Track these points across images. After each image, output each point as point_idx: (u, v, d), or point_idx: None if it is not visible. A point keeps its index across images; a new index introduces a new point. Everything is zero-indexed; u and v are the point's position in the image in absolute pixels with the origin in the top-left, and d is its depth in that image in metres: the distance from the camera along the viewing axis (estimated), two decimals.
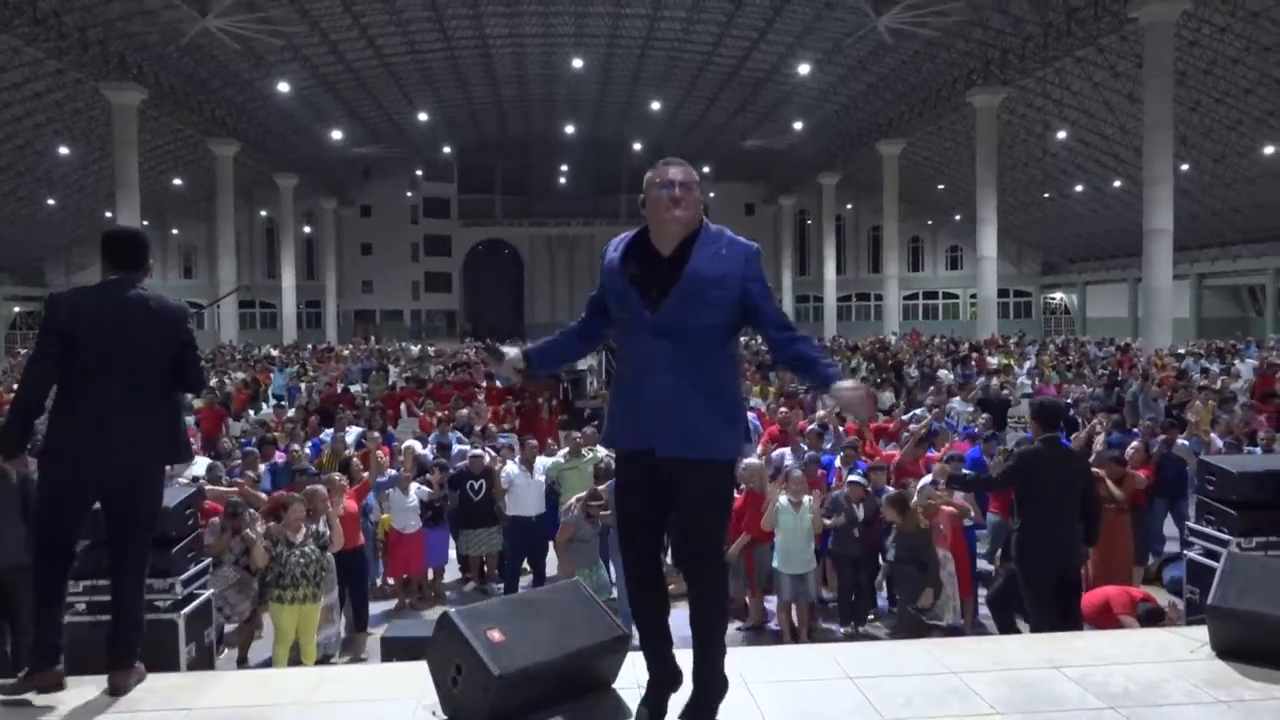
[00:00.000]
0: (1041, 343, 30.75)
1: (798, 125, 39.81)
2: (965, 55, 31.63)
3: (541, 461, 9.04)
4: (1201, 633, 3.93)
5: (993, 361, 22.37)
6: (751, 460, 8.76)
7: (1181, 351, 22.52)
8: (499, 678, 3.12)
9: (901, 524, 7.36)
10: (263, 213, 52.16)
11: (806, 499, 7.55)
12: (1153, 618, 7.23)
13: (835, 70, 35.85)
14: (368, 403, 14.19)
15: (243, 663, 7.56)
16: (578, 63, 36.64)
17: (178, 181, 43.79)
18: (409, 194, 56.73)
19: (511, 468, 8.84)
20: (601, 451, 9.46)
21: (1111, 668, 3.67)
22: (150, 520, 3.84)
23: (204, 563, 6.59)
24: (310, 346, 36.16)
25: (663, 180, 2.97)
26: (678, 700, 3.14)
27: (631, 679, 3.58)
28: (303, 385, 19.27)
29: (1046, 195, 44.67)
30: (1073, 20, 26.57)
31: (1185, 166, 33.43)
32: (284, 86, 33.03)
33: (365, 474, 8.30)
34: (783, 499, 7.47)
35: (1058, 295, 55.97)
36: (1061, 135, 36.44)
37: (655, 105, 41.67)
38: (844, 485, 8.16)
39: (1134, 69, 29.49)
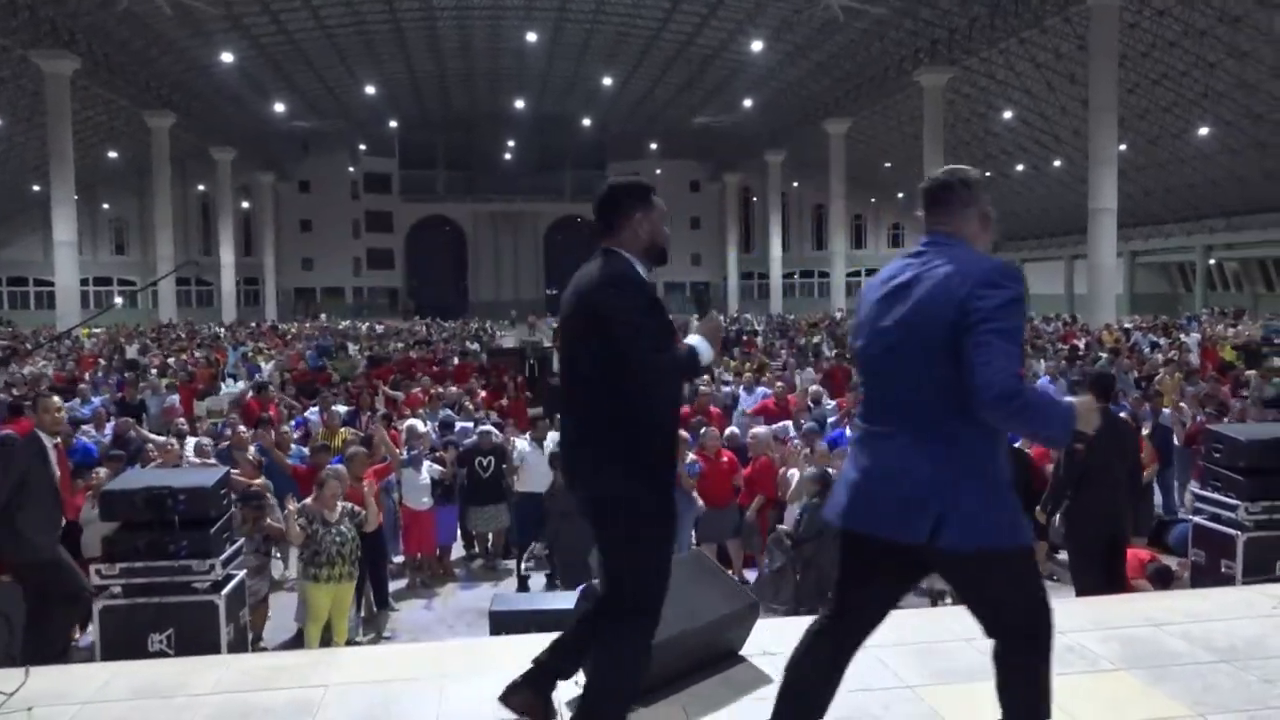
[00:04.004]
0: None
1: (746, 103, 39.96)
2: (912, 34, 32.03)
3: (552, 437, 9.02)
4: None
5: None
6: (759, 429, 8.91)
7: (1128, 326, 23.31)
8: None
9: None
10: (199, 187, 50.62)
11: (829, 470, 7.69)
12: (1162, 577, 7.55)
13: (783, 48, 35.99)
14: (348, 383, 13.96)
15: (257, 644, 7.45)
16: (528, 37, 36.22)
17: (112, 154, 42.24)
18: (350, 169, 55.61)
19: (522, 444, 8.83)
20: None
21: (1209, 624, 3.86)
22: None
23: (238, 542, 6.49)
24: (255, 324, 35.40)
25: None
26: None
27: (757, 645, 3.66)
28: (264, 364, 18.85)
29: (988, 174, 45.54)
30: (1020, 1, 27.10)
31: (1123, 147, 34.44)
32: (225, 57, 32.04)
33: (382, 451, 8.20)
34: (808, 470, 7.60)
35: None
36: (1008, 115, 37.21)
37: (603, 81, 41.42)
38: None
39: (1076, 50, 30.24)
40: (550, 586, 8.08)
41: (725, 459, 8.28)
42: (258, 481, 7.89)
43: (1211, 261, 41.36)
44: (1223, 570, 6.81)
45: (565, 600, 4.49)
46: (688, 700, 3.24)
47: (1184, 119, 33.81)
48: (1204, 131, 33.05)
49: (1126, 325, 23.42)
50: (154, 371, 15.96)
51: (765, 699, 3.23)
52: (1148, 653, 3.59)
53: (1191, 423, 10.41)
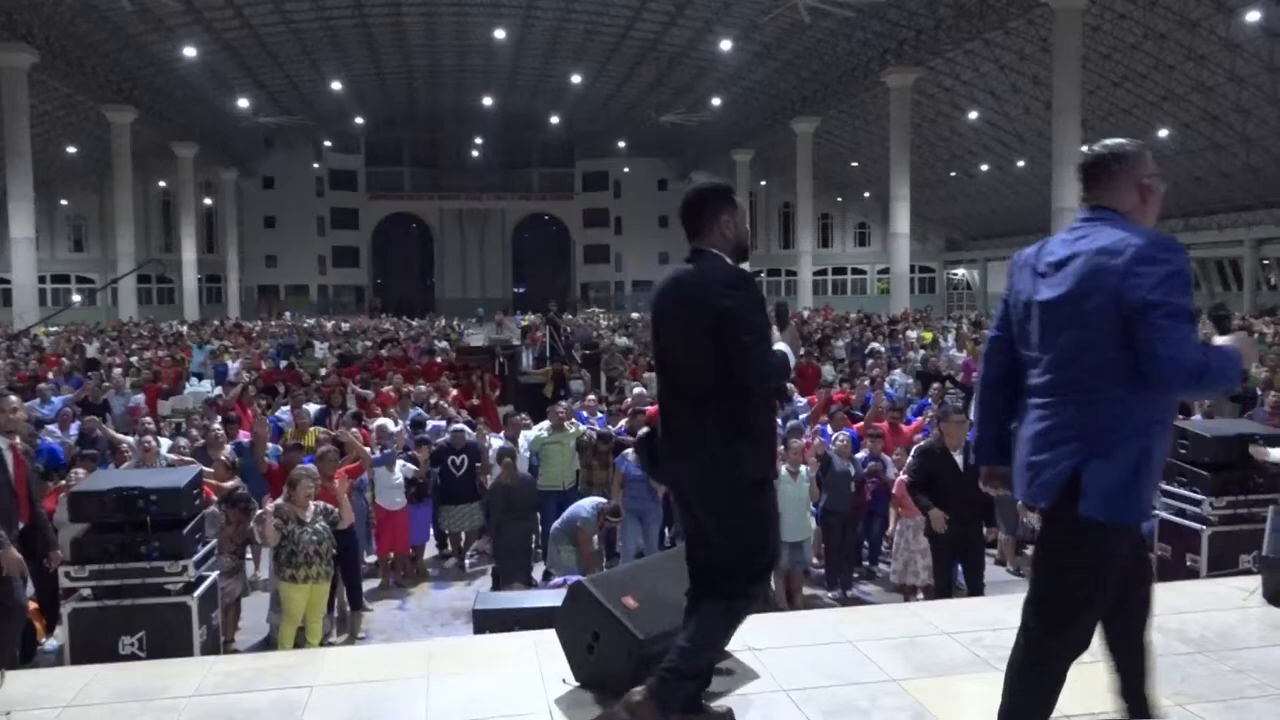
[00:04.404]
0: (958, 317, 31.88)
1: (714, 102, 40.06)
2: (879, 35, 32.30)
3: (526, 435, 9.00)
4: (1249, 583, 4.24)
5: (912, 335, 23.11)
6: None
7: None
8: (644, 642, 3.17)
9: None
10: (160, 183, 49.86)
11: (803, 468, 7.75)
12: None
13: (751, 47, 36.13)
14: (319, 382, 13.83)
15: (229, 645, 7.37)
16: (495, 34, 36.02)
17: (71, 150, 41.48)
18: (315, 165, 55.04)
19: (498, 442, 8.79)
20: (583, 426, 9.50)
21: (1182, 616, 3.94)
22: None
23: (210, 543, 6.41)
24: (219, 322, 34.94)
25: None
26: None
27: (741, 641, 3.68)
28: (231, 363, 18.60)
29: (953, 174, 46.12)
30: (984, 3, 27.42)
31: (1085, 148, 34.93)
32: (187, 52, 31.54)
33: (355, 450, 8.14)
34: (781, 469, 7.64)
35: (960, 271, 57.97)
36: (973, 116, 37.62)
37: (571, 79, 41.32)
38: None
39: (1039, 52, 30.67)
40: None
41: None
42: (229, 484, 7.79)
43: None
44: (1188, 564, 6.95)
45: (547, 598, 4.50)
46: None
47: (1144, 121, 34.38)
48: (1163, 133, 33.64)
49: None
50: (118, 370, 15.69)
51: (753, 693, 3.27)
52: None
53: None
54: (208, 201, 52.14)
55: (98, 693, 3.41)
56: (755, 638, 3.72)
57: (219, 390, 14.91)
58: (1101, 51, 31.00)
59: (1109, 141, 2.69)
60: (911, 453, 7.33)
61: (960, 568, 6.86)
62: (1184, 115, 33.08)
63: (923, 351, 18.20)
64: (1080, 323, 2.44)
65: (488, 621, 4.44)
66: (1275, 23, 26.38)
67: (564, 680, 3.36)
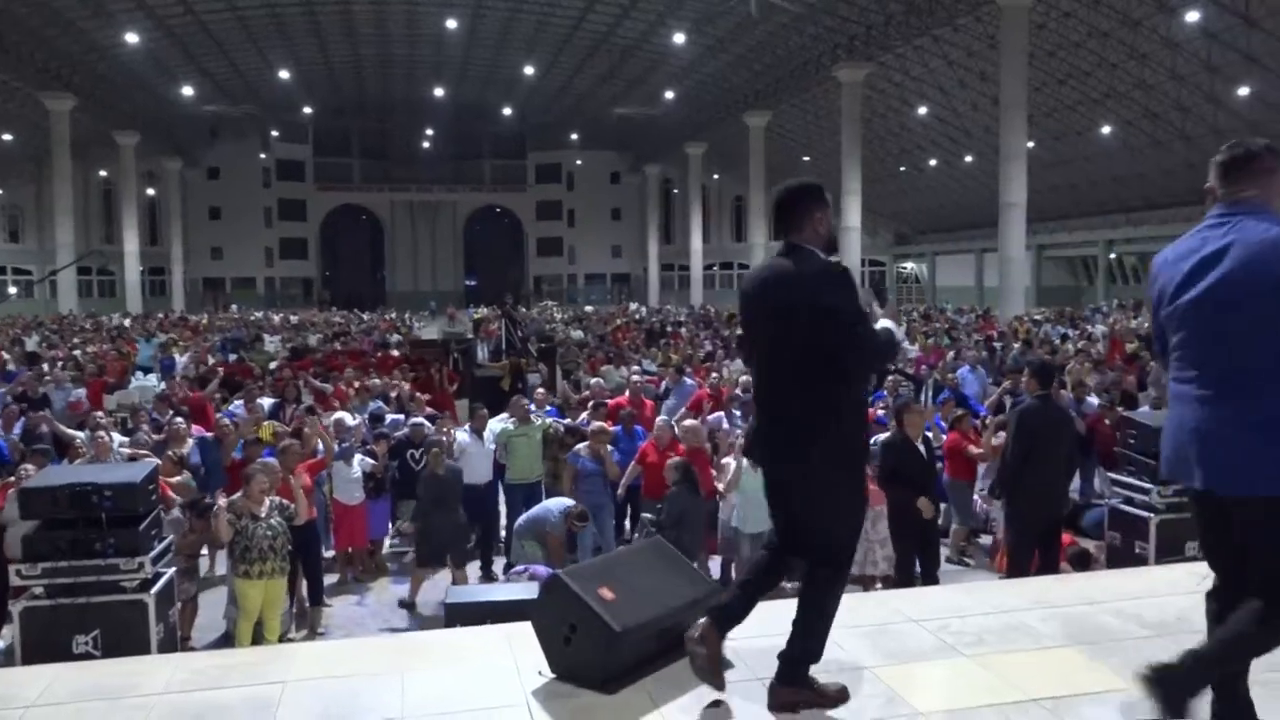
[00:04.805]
0: (908, 310, 32.31)
1: (667, 95, 40.09)
2: (831, 30, 32.55)
3: (491, 429, 8.95)
4: (1203, 568, 4.35)
5: None
6: (690, 422, 8.99)
7: (1038, 317, 24.15)
8: (621, 634, 3.18)
9: None
10: (101, 173, 48.59)
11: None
12: (1081, 560, 7.89)
13: (704, 41, 36.19)
14: (271, 376, 13.62)
15: (186, 643, 7.25)
16: (448, 24, 35.68)
17: (6, 137, 40.25)
18: (261, 156, 54.08)
19: (463, 436, 8.73)
20: (549, 419, 9.48)
21: (1140, 601, 4.05)
22: None
23: (167, 539, 6.29)
24: (163, 315, 34.21)
25: None
26: None
27: None
28: (179, 357, 18.23)
29: (903, 169, 46.67)
30: (934, 0, 27.77)
31: (1030, 144, 35.63)
32: (129, 38, 30.77)
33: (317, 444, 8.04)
34: (744, 461, 7.69)
35: (909, 265, 58.71)
36: (922, 111, 38.08)
37: (523, 70, 41.07)
38: None
39: (987, 49, 31.13)
40: (421, 562, 8.18)
41: (679, 452, 8.19)
42: (176, 479, 7.64)
43: (1112, 255, 43.08)
44: (1137, 551, 7.14)
45: (517, 591, 4.49)
46: (653, 686, 3.27)
47: (1088, 117, 35.09)
48: (1106, 130, 34.39)
49: (1036, 317, 24.26)
50: (60, 364, 15.30)
51: (728, 682, 3.29)
52: (1087, 629, 3.76)
53: (1093, 413, 10.81)
54: (151, 192, 50.96)
55: (61, 692, 3.33)
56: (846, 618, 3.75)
57: (164, 385, 14.62)
58: (1047, 49, 31.54)
59: (1247, 140, 2.78)
60: (873, 445, 7.42)
61: (917, 557, 6.98)
62: (1126, 112, 33.82)
63: None
64: (1244, 312, 2.53)
65: (460, 615, 4.42)
66: (1213, 23, 27.08)
67: (540, 673, 3.36)
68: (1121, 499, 7.44)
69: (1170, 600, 4.07)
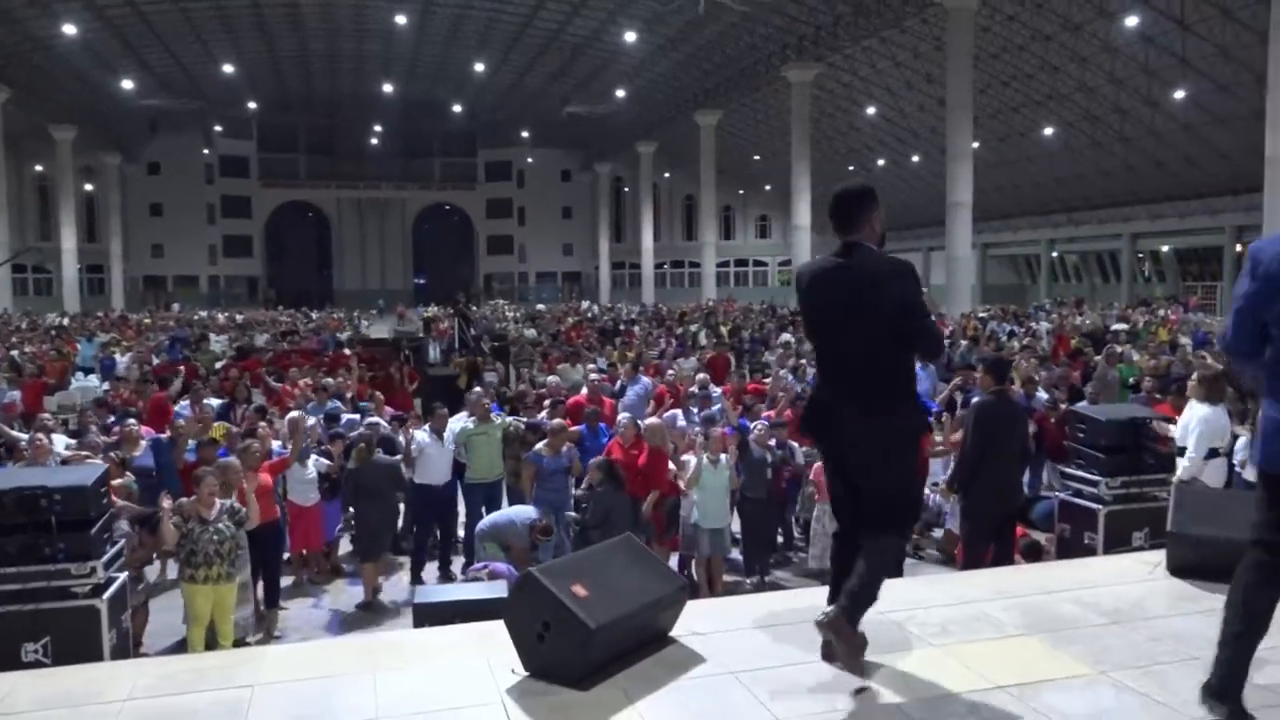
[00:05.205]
0: None
1: (618, 93, 40.09)
2: (780, 30, 32.82)
3: (451, 427, 8.86)
4: (1153, 556, 4.50)
5: None
6: (651, 420, 9.00)
7: (983, 315, 24.60)
8: (596, 630, 3.19)
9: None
10: (36, 168, 47.23)
11: (723, 456, 7.85)
12: (1033, 551, 8.05)
13: (654, 40, 36.27)
14: (217, 376, 13.37)
15: (138, 648, 7.10)
16: (396, 19, 35.27)
17: None
18: (204, 151, 52.99)
19: (422, 435, 8.62)
20: (509, 418, 9.43)
21: (1096, 590, 4.17)
22: None
23: (119, 544, 6.15)
24: (103, 314, 33.39)
25: None
26: None
27: (686, 626, 3.74)
28: (120, 356, 17.81)
29: (851, 168, 47.17)
30: (881, 1, 28.13)
31: (976, 145, 36.27)
32: (66, 29, 29.94)
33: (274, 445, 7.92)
34: (703, 457, 7.74)
35: None
36: (870, 111, 38.55)
37: (474, 67, 40.75)
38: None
39: (933, 50, 31.63)
40: (357, 553, 8.22)
41: (644, 451, 8.17)
42: (118, 481, 7.47)
43: (1054, 254, 44.04)
44: (1086, 542, 7.31)
45: (486, 590, 4.48)
46: (627, 682, 3.28)
47: (1031, 119, 35.83)
48: (1048, 131, 35.14)
49: (981, 314, 24.70)
50: None
51: (701, 677, 3.33)
52: (1046, 618, 3.86)
53: (1039, 409, 11.02)
54: (89, 188, 49.72)
55: (21, 701, 3.25)
56: (698, 622, 3.79)
57: (106, 386, 14.29)
58: (991, 51, 32.16)
59: None
60: None
61: None
62: (1067, 114, 34.60)
63: None
64: None
65: (428, 615, 4.39)
66: (1151, 28, 27.81)
67: (513, 671, 3.35)
68: (1071, 491, 7.63)
69: (1123, 589, 4.19)
